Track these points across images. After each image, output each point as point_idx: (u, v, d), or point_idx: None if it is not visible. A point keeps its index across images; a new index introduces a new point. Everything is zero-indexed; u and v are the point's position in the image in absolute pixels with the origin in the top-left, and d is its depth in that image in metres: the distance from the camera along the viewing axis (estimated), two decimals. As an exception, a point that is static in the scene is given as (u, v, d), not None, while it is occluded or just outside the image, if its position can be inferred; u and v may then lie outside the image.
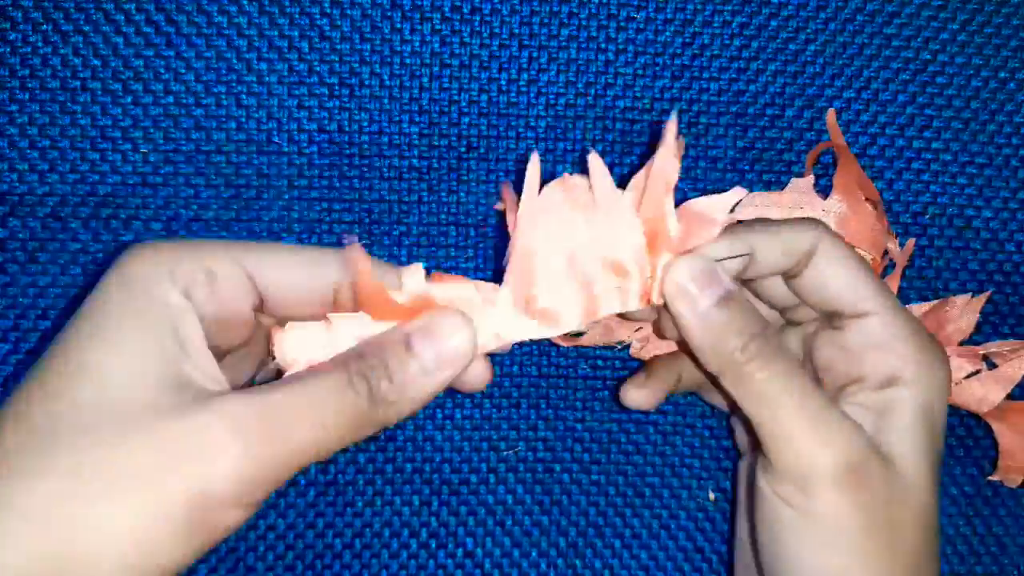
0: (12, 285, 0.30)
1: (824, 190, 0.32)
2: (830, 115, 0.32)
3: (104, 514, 0.18)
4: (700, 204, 0.23)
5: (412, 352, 0.21)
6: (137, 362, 0.19)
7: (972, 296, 0.32)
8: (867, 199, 0.31)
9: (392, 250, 0.31)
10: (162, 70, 0.30)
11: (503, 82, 0.31)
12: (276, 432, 0.19)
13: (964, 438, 0.33)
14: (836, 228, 0.31)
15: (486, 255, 0.31)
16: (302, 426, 0.19)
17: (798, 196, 0.31)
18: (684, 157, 0.30)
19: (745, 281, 0.25)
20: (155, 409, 0.19)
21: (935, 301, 0.32)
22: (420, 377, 0.21)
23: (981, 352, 0.31)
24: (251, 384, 0.24)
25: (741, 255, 0.23)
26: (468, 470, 0.32)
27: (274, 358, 0.22)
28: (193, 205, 0.30)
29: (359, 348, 0.21)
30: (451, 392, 0.31)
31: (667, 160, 0.22)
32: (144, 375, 0.19)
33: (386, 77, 0.31)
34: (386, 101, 0.31)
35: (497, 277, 0.23)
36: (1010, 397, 0.31)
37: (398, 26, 0.31)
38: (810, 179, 0.31)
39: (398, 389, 0.21)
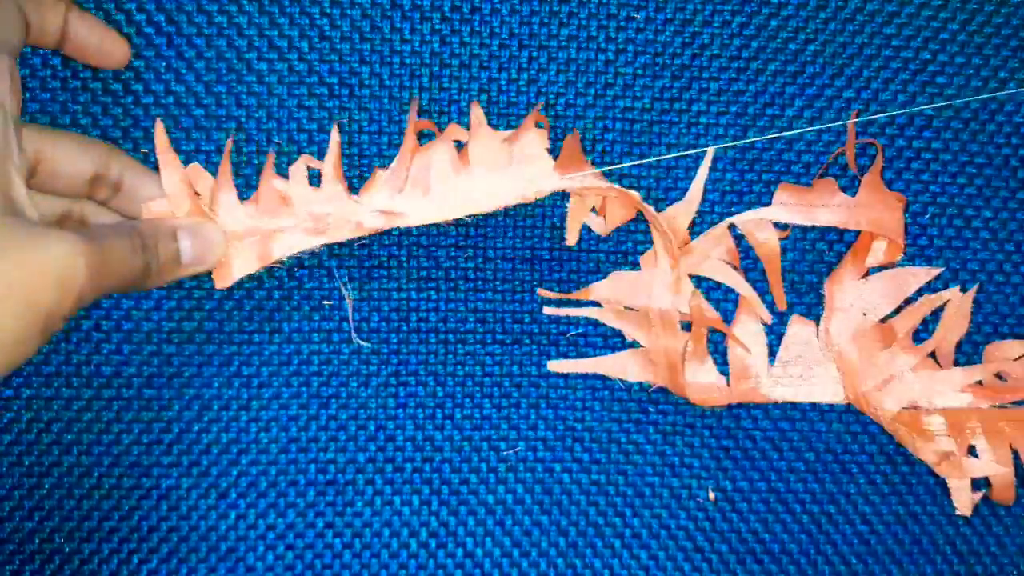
0: (12, 285, 0.30)
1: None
2: (850, 124, 0.32)
3: None
4: None
5: (176, 242, 0.27)
6: None
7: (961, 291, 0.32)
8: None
9: (392, 249, 0.31)
10: (163, 70, 0.30)
11: (503, 82, 0.31)
12: (101, 272, 0.24)
13: (964, 438, 0.33)
14: (848, 218, 0.31)
15: (486, 255, 0.31)
16: (113, 271, 0.24)
17: (821, 194, 0.32)
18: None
19: None
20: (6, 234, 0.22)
21: (922, 300, 0.32)
22: (175, 263, 0.27)
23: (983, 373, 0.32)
24: None
25: None
26: (468, 470, 0.32)
27: None
28: (193, 205, 0.30)
29: (142, 225, 0.26)
30: (451, 392, 0.32)
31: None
32: None
33: (386, 77, 0.31)
34: (386, 101, 0.31)
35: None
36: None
37: (398, 26, 0.31)
38: (831, 180, 0.32)
39: (159, 268, 0.27)
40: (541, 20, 0.31)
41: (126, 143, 0.30)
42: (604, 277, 0.32)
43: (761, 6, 0.32)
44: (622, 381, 0.32)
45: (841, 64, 0.32)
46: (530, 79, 0.31)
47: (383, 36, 0.31)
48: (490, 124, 0.31)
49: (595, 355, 0.32)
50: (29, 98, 0.30)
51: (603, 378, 0.32)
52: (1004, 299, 0.33)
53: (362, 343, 0.31)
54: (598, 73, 0.32)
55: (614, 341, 0.32)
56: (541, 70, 0.31)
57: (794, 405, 0.32)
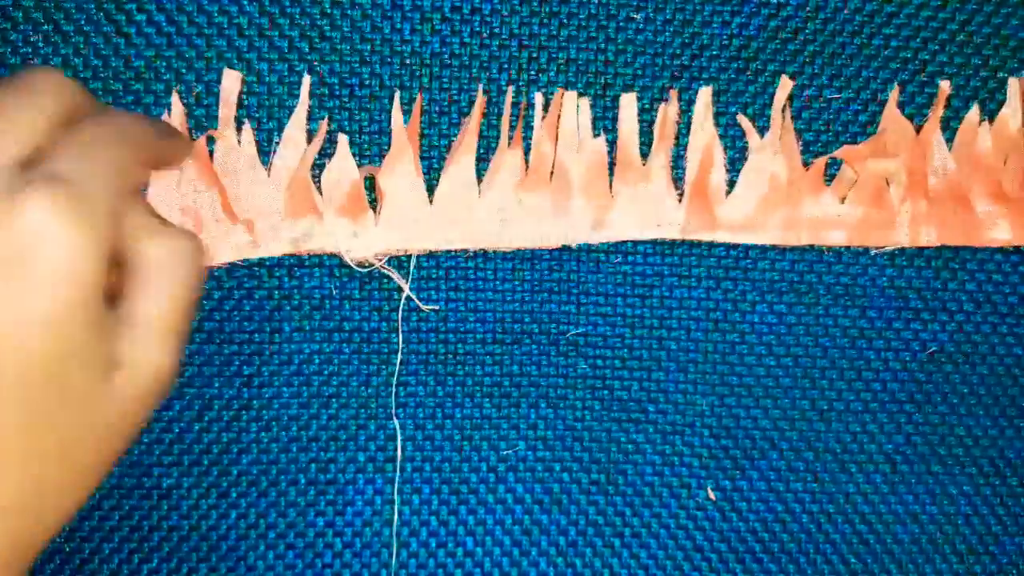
0: (13, 284, 0.30)
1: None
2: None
3: None
4: None
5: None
6: None
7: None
8: None
9: (392, 250, 0.31)
10: (163, 70, 0.30)
11: (503, 83, 0.31)
12: None
13: (963, 437, 0.33)
14: None
15: (486, 255, 0.32)
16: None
17: None
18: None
19: None
20: None
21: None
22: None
23: None
24: None
25: None
26: (468, 470, 0.32)
27: None
28: (194, 205, 0.30)
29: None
30: (451, 391, 0.32)
31: None
32: None
33: (386, 77, 0.31)
34: (386, 101, 0.31)
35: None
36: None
37: (398, 26, 0.31)
38: None
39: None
40: (541, 21, 0.31)
41: (127, 143, 0.30)
42: (604, 277, 0.32)
43: (760, 7, 0.32)
44: (621, 383, 0.32)
45: (840, 65, 0.32)
46: (530, 79, 0.31)
47: (384, 37, 0.31)
48: (490, 125, 0.31)
49: (595, 355, 0.32)
50: (30, 98, 0.30)
51: (603, 378, 0.32)
52: (1003, 299, 0.33)
53: (424, 308, 0.31)
54: (598, 74, 0.32)
55: (614, 341, 0.32)
56: (541, 71, 0.31)
57: (794, 405, 0.32)
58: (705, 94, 0.31)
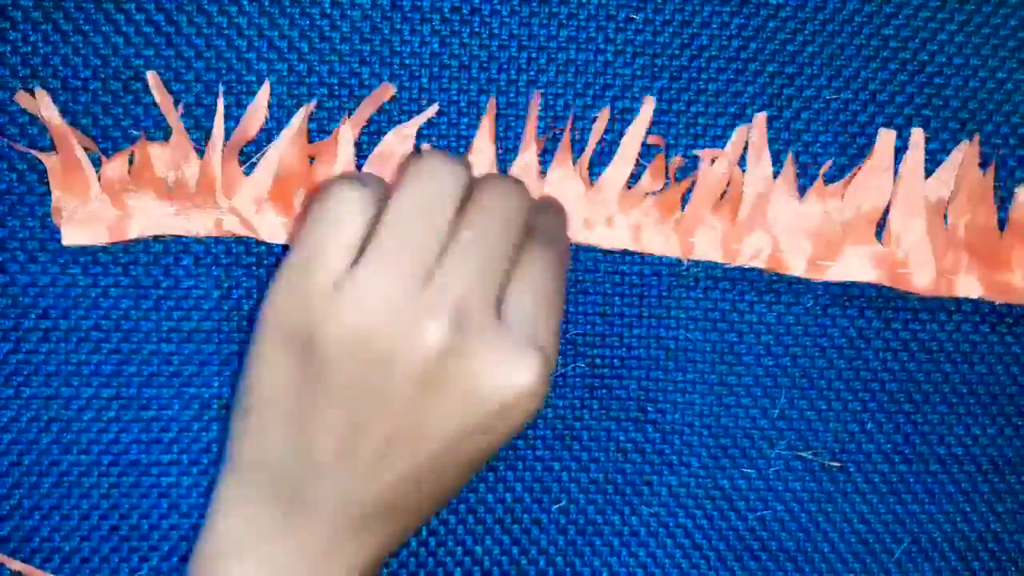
0: (12, 285, 0.30)
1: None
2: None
3: None
4: None
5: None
6: None
7: None
8: None
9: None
10: (162, 70, 0.30)
11: (502, 83, 0.31)
12: None
13: (963, 437, 0.33)
14: None
15: (485, 255, 0.32)
16: None
17: None
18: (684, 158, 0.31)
19: None
20: None
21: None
22: None
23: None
24: None
25: None
26: (467, 469, 0.32)
27: None
28: (193, 205, 0.30)
29: None
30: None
31: None
32: None
33: (386, 77, 0.31)
34: (385, 102, 0.31)
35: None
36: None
37: (398, 27, 0.31)
38: None
39: None
40: (540, 22, 0.31)
41: (125, 142, 0.30)
42: (603, 277, 0.32)
43: (759, 8, 0.32)
44: (619, 382, 0.32)
45: (839, 66, 0.32)
46: (529, 80, 0.31)
47: (383, 37, 0.31)
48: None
49: (593, 354, 0.32)
50: (29, 98, 0.30)
51: (601, 376, 0.32)
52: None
53: None
54: (597, 74, 0.32)
55: (612, 340, 0.32)
56: (540, 71, 0.31)
57: (792, 404, 0.32)
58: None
